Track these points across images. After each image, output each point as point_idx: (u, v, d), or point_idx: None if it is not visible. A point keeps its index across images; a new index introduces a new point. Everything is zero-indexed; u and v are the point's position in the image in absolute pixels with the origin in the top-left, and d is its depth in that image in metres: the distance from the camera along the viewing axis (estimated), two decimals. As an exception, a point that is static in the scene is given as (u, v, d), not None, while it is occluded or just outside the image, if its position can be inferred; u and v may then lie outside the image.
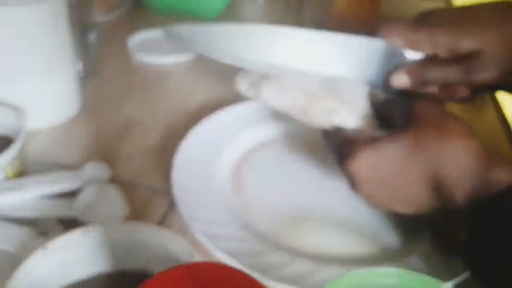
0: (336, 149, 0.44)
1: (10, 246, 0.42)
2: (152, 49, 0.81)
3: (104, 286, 0.38)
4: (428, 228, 0.47)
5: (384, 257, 0.45)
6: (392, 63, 0.48)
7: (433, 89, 0.49)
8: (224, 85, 0.52)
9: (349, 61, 0.48)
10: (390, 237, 0.47)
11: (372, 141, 0.41)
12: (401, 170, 0.39)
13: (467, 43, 0.45)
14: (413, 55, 0.47)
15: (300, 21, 0.94)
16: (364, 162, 0.40)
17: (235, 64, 0.48)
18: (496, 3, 0.47)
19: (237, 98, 0.58)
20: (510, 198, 0.36)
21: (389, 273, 0.32)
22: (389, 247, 0.46)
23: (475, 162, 0.38)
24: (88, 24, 0.69)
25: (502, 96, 0.72)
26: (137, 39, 0.83)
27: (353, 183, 0.42)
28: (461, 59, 0.45)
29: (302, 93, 0.47)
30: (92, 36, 0.70)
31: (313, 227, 0.48)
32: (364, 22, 0.72)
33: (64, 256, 0.37)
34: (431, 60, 0.47)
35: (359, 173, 0.41)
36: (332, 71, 0.48)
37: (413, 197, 0.40)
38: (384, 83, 0.49)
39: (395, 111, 0.44)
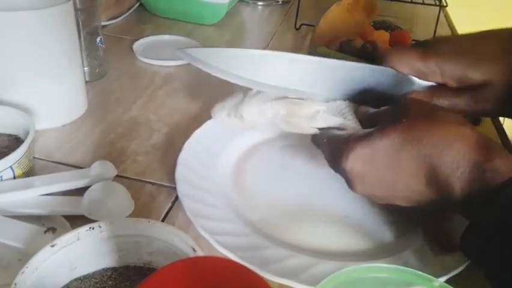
0: (328, 151, 0.43)
1: (18, 242, 0.42)
2: (156, 52, 0.82)
3: (110, 281, 0.39)
4: (421, 224, 0.47)
5: (378, 253, 0.46)
6: (401, 91, 0.47)
7: None
8: (226, 86, 0.52)
9: (358, 87, 0.48)
10: (384, 234, 0.48)
11: (363, 137, 0.40)
12: (395, 163, 0.38)
13: (476, 74, 0.44)
14: (421, 83, 0.47)
15: (298, 27, 0.95)
16: (358, 160, 0.39)
17: (242, 84, 0.48)
18: (502, 32, 0.47)
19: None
20: (508, 191, 0.34)
21: (382, 268, 0.32)
22: (383, 243, 0.47)
23: (469, 149, 0.36)
24: (95, 28, 0.70)
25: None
26: (142, 42, 0.85)
27: (350, 182, 0.41)
28: (470, 90, 0.45)
29: (282, 104, 0.47)
30: (99, 40, 0.71)
31: (311, 223, 0.49)
32: (359, 27, 0.72)
33: (71, 252, 0.38)
34: (439, 89, 0.46)
35: (355, 170, 0.40)
36: (341, 97, 0.48)
37: (410, 190, 0.39)
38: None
39: (384, 113, 0.43)
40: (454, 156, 0.36)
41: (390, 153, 0.38)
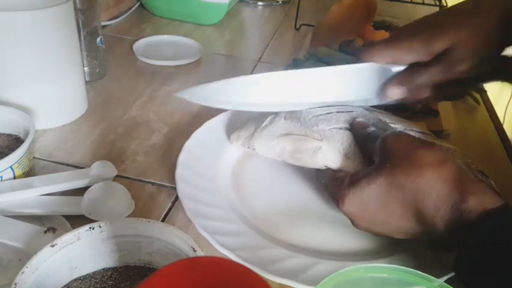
0: (328, 190, 0.46)
1: (19, 242, 0.42)
2: (156, 52, 0.82)
3: (110, 281, 0.39)
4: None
5: (378, 253, 0.46)
6: (382, 81, 0.51)
7: (428, 95, 0.51)
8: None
9: (347, 88, 0.52)
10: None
11: (354, 182, 0.42)
12: (384, 206, 0.41)
13: (439, 44, 0.48)
14: (398, 68, 0.51)
15: (298, 27, 0.95)
16: (353, 204, 0.42)
17: (247, 110, 0.52)
18: (454, 7, 0.51)
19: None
20: (487, 223, 0.36)
21: (382, 268, 0.32)
22: (383, 243, 0.47)
23: (448, 192, 0.38)
24: (95, 28, 0.70)
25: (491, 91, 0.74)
26: (142, 42, 0.85)
27: (351, 221, 0.44)
28: (439, 58, 0.49)
29: (288, 140, 0.49)
30: (99, 40, 0.71)
31: (311, 223, 0.49)
32: (359, 27, 0.73)
33: (71, 252, 0.38)
34: (415, 67, 0.50)
35: (352, 212, 0.43)
36: (336, 99, 0.52)
37: (401, 228, 0.41)
38: (380, 100, 0.52)
39: (372, 145, 0.45)
40: (434, 199, 0.38)
41: (379, 197, 0.41)
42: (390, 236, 0.43)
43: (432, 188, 0.39)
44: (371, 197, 0.41)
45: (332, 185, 0.45)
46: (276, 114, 0.52)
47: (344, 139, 0.48)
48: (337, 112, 0.50)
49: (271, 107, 0.52)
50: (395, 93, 0.51)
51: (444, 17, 0.51)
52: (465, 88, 0.52)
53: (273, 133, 0.50)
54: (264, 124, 0.51)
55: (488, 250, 0.36)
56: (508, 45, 0.49)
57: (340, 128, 0.48)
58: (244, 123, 0.53)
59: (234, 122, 0.59)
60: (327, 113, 0.50)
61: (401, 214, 0.40)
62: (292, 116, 0.51)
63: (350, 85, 0.52)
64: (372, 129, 0.47)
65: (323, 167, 0.48)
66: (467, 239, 0.37)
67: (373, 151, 0.45)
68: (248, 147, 0.51)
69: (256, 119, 0.53)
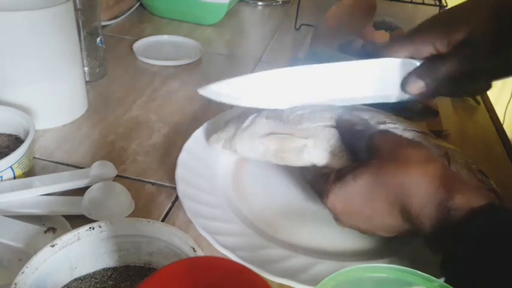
0: (313, 186, 0.46)
1: (19, 242, 0.42)
2: (156, 52, 0.82)
3: (110, 281, 0.39)
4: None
5: (378, 253, 0.46)
6: (403, 76, 0.51)
7: (448, 89, 0.51)
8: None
9: (371, 83, 0.51)
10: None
11: (339, 178, 0.42)
12: (369, 202, 0.41)
13: (456, 34, 0.48)
14: (417, 62, 0.50)
15: (298, 27, 0.95)
16: (337, 199, 0.42)
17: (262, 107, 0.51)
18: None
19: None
20: (473, 221, 0.36)
21: (382, 268, 0.32)
22: (383, 243, 0.47)
23: (434, 190, 0.38)
24: (95, 28, 0.70)
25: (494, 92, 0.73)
26: (142, 42, 0.85)
27: (335, 217, 0.44)
28: (457, 49, 0.48)
29: (271, 139, 0.48)
30: (99, 40, 0.71)
31: (311, 223, 0.49)
32: (359, 27, 0.73)
33: (71, 252, 0.38)
34: (436, 59, 0.49)
35: (335, 208, 0.42)
36: (356, 94, 0.52)
37: (386, 225, 0.41)
38: (401, 95, 0.52)
39: (359, 142, 0.45)
40: (420, 197, 0.38)
41: (364, 193, 0.41)
42: (377, 234, 0.43)
43: (419, 185, 0.38)
44: (356, 193, 0.41)
45: (317, 181, 0.45)
46: (258, 113, 0.51)
47: (329, 136, 0.47)
48: (321, 110, 0.50)
49: (294, 102, 0.51)
50: (416, 87, 0.50)
51: (461, 8, 0.50)
52: (485, 81, 0.51)
53: (255, 133, 0.49)
54: (245, 124, 0.50)
55: (475, 249, 0.35)
56: None
57: (325, 126, 0.48)
58: (224, 124, 0.53)
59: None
60: (311, 111, 0.49)
61: (387, 210, 0.40)
62: (275, 115, 0.50)
63: (370, 81, 0.51)
64: (359, 127, 0.47)
65: (309, 164, 0.47)
66: (453, 238, 0.37)
67: (360, 148, 0.45)
68: (229, 149, 0.51)
69: (237, 119, 0.52)
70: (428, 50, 0.49)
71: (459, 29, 0.48)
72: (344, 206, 0.42)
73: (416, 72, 0.50)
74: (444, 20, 0.50)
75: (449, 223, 0.37)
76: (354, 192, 0.41)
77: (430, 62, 0.50)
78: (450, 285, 0.38)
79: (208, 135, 0.57)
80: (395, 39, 0.52)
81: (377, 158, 0.41)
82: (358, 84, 0.51)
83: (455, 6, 0.52)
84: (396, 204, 0.40)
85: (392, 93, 0.52)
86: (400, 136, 0.45)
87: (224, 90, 0.50)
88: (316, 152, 0.47)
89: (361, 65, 0.51)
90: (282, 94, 0.51)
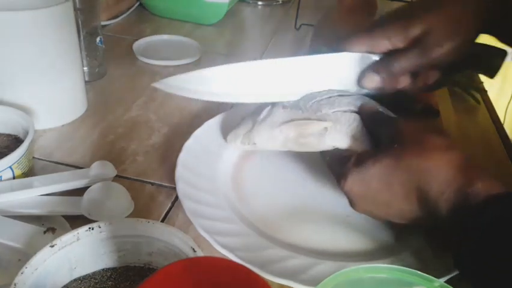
0: (332, 169, 0.46)
1: (18, 242, 0.42)
2: (156, 52, 0.82)
3: (110, 281, 0.39)
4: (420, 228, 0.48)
5: (378, 253, 0.46)
6: (360, 70, 0.51)
7: (407, 84, 0.51)
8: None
9: (329, 78, 0.51)
10: (384, 234, 0.48)
11: (359, 161, 0.42)
12: (388, 186, 0.41)
13: (414, 30, 0.48)
14: (375, 57, 0.50)
15: (298, 27, 0.95)
16: (355, 183, 0.42)
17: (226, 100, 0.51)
18: None
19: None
20: (491, 207, 0.37)
21: (382, 268, 0.32)
22: (383, 243, 0.47)
23: (455, 176, 0.39)
24: (95, 28, 0.70)
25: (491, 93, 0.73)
26: (142, 42, 0.85)
27: (351, 201, 0.44)
28: (415, 44, 0.48)
29: (291, 126, 0.48)
30: (99, 40, 0.71)
31: (311, 223, 0.49)
32: (359, 27, 0.73)
33: (71, 252, 0.38)
34: (391, 53, 0.50)
35: (352, 192, 0.43)
36: (314, 89, 0.51)
37: (403, 210, 0.42)
38: (358, 90, 0.52)
39: (381, 127, 0.46)
40: (440, 182, 0.39)
41: (383, 177, 0.41)
42: (390, 220, 0.43)
43: (439, 171, 0.39)
44: (375, 177, 0.41)
45: (336, 163, 0.45)
46: (273, 105, 0.50)
47: (350, 121, 0.47)
48: (338, 96, 0.50)
49: (244, 97, 0.51)
50: (372, 82, 0.50)
51: (419, 4, 0.51)
52: (449, 76, 0.52)
53: (273, 123, 0.49)
54: (261, 116, 0.50)
55: (492, 235, 0.36)
56: (482, 32, 0.50)
57: (345, 111, 0.48)
58: (240, 120, 0.53)
59: (234, 122, 0.58)
60: (329, 97, 0.49)
61: (405, 195, 0.41)
62: (292, 104, 0.50)
63: (328, 75, 0.51)
64: (381, 111, 0.47)
65: (331, 148, 0.47)
66: (470, 224, 0.37)
67: (381, 134, 0.45)
68: (248, 144, 0.50)
69: (253, 114, 0.52)
70: (385, 44, 0.50)
71: (416, 23, 0.48)
72: (361, 190, 0.42)
73: (372, 67, 0.50)
74: (402, 15, 0.50)
75: (466, 209, 0.38)
76: (373, 177, 0.41)
77: (387, 57, 0.50)
78: (463, 272, 0.38)
79: (208, 135, 0.57)
80: (355, 33, 0.51)
81: (399, 143, 0.41)
82: (315, 78, 0.51)
83: (416, 1, 0.53)
84: (415, 190, 0.40)
85: (350, 88, 0.52)
86: (423, 123, 0.45)
87: (180, 83, 0.51)
88: (339, 135, 0.47)
89: (319, 59, 0.51)
90: (237, 88, 0.51)
